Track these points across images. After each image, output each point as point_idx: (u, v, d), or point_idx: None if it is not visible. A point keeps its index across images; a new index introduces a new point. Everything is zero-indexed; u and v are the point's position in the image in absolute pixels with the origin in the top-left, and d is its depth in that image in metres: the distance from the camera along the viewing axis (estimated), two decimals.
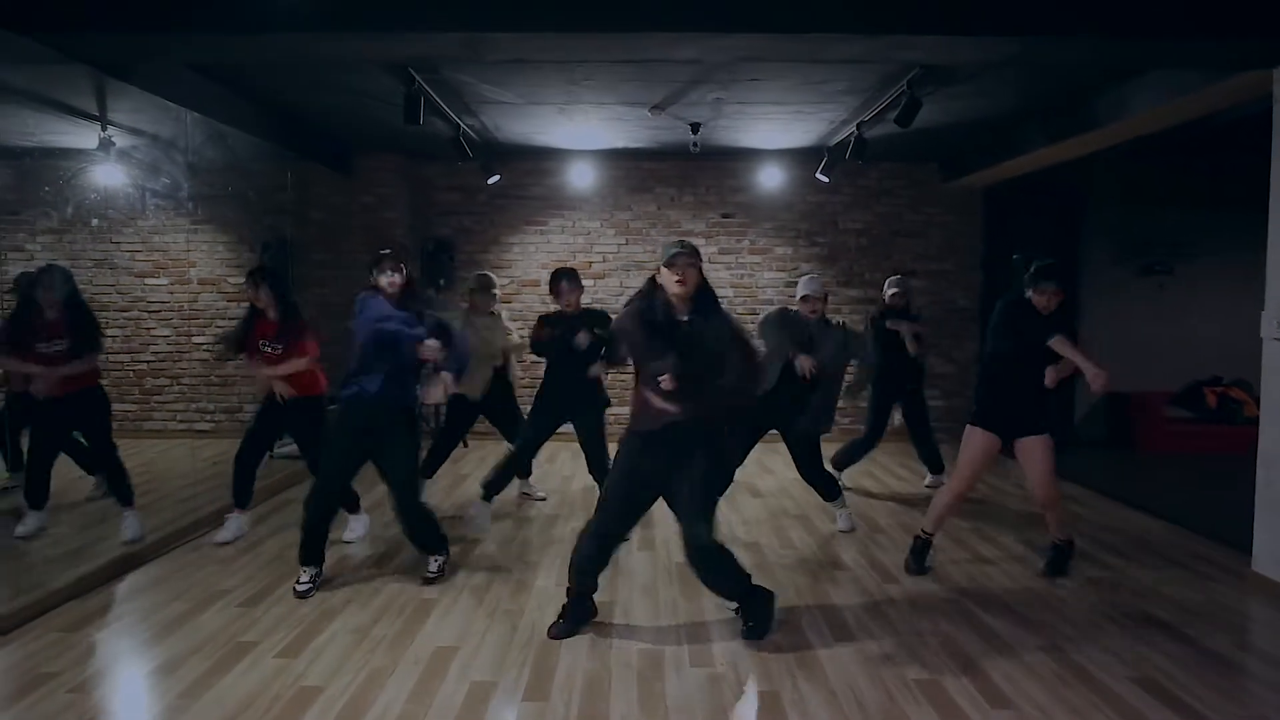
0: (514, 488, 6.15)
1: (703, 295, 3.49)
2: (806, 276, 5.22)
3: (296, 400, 4.84)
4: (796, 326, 5.06)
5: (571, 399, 5.13)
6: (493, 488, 5.30)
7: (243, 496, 5.07)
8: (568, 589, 3.76)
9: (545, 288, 8.48)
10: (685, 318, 3.44)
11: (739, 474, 5.21)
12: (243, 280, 4.90)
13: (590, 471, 5.32)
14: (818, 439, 5.19)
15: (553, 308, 5.31)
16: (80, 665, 3.38)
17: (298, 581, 4.18)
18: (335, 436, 4.20)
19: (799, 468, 5.25)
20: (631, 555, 4.78)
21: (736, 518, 5.57)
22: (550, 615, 3.82)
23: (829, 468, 5.80)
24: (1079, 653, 3.51)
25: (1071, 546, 4.54)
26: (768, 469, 7.19)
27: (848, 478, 6.54)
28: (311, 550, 4.21)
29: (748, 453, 5.24)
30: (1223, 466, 7.43)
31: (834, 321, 5.20)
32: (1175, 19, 3.77)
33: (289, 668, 3.34)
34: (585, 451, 5.20)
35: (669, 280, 3.42)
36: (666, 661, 3.42)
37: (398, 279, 4.04)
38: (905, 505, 6.06)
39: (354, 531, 5.09)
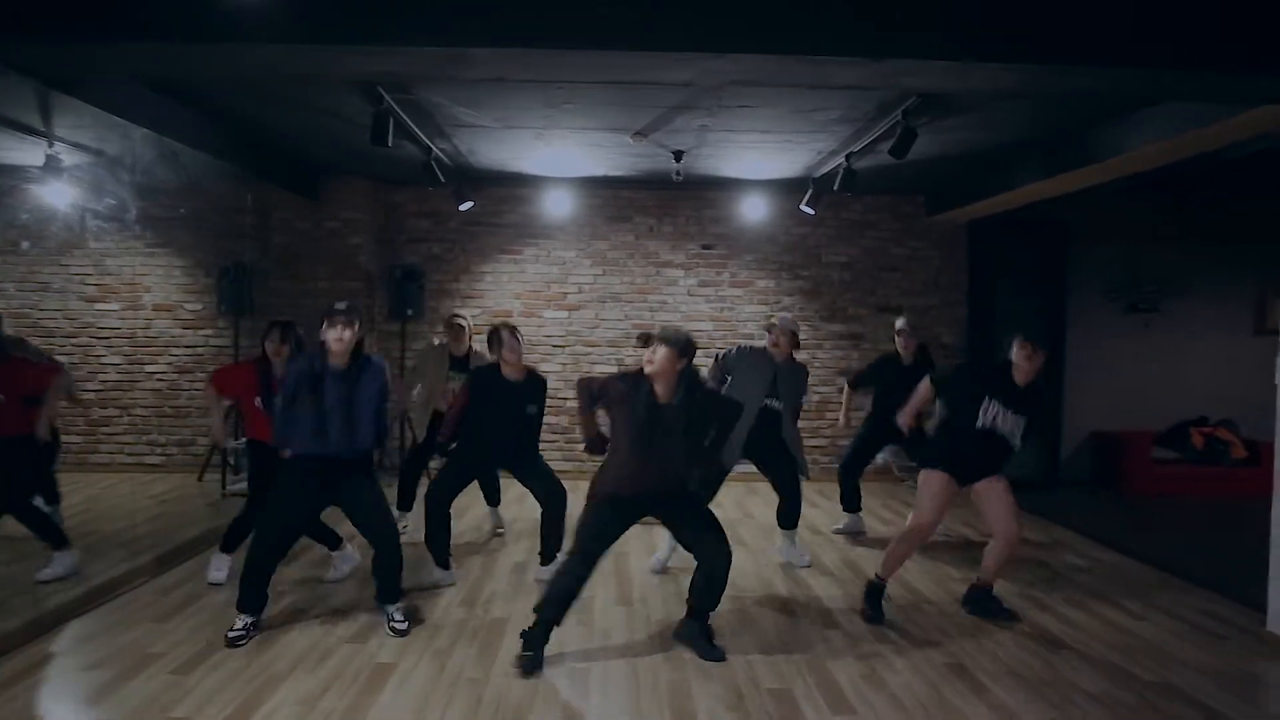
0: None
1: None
2: (782, 314, 5.48)
3: None
4: (761, 364, 5.16)
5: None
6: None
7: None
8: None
9: (518, 318, 8.34)
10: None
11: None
12: (199, 306, 4.58)
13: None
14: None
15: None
16: None
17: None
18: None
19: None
20: (610, 612, 4.44)
21: None
22: (519, 683, 3.50)
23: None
24: None
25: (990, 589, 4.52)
26: (748, 513, 6.89)
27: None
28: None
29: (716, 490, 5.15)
30: (1213, 510, 7.26)
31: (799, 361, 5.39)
32: (1190, 49, 3.59)
33: None
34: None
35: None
36: None
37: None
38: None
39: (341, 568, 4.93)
